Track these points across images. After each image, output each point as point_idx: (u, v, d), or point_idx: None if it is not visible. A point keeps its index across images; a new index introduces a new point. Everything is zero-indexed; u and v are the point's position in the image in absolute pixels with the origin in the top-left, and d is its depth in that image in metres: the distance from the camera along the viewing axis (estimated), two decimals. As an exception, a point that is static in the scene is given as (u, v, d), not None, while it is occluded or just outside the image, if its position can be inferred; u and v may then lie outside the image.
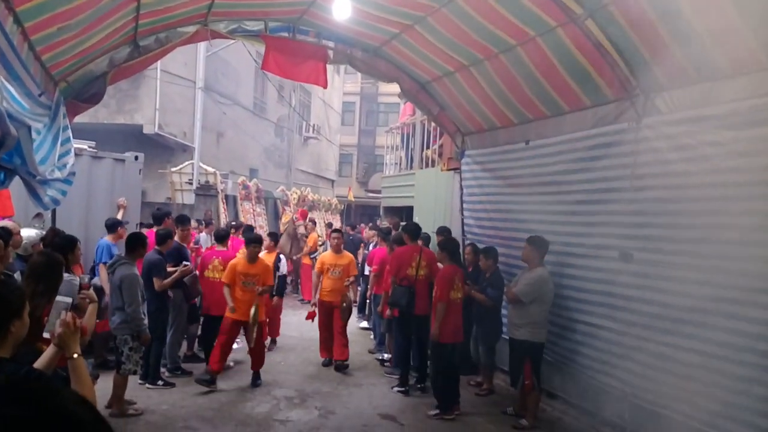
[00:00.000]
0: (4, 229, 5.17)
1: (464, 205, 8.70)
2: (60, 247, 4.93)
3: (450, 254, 6.72)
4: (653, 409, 5.18)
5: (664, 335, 4.94)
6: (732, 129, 4.35)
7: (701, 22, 4.19)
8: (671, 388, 4.89)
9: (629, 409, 5.46)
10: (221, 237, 8.40)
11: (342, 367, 8.08)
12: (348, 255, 8.59)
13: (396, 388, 7.32)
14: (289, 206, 18.19)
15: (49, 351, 2.50)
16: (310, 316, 8.70)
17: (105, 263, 6.97)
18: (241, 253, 7.71)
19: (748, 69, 4.24)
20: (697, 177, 4.67)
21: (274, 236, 9.63)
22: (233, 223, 12.42)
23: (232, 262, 7.34)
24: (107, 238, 7.39)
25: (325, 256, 8.72)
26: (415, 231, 7.74)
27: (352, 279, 8.42)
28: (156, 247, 6.99)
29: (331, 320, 8.24)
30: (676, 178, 4.87)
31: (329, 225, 17.21)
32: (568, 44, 5.41)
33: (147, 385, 6.81)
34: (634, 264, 5.28)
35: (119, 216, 8.17)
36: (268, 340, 8.78)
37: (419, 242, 7.78)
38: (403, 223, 10.23)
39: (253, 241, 7.41)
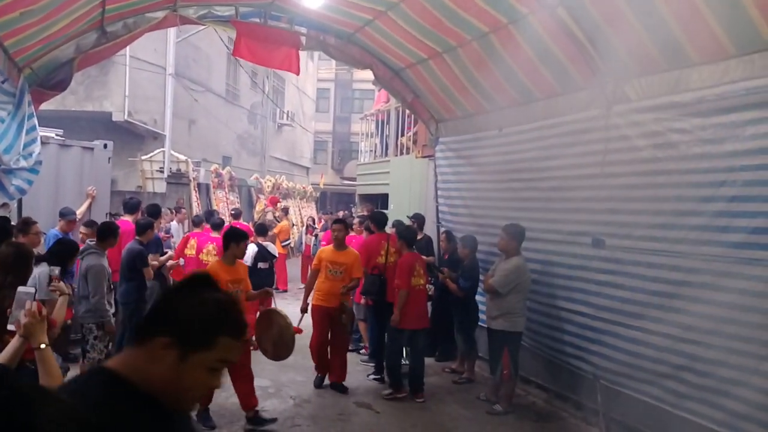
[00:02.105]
0: None
1: (439, 193, 8.72)
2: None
3: (408, 242, 6.85)
4: (624, 391, 5.29)
5: (634, 319, 5.03)
6: (698, 116, 4.43)
7: (670, 10, 4.24)
8: (641, 370, 5.00)
9: (601, 392, 5.56)
10: (217, 225, 9.16)
11: (342, 389, 6.78)
12: (352, 252, 6.96)
13: (371, 376, 7.37)
14: (264, 194, 18.07)
15: (13, 342, 2.45)
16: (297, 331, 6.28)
17: None
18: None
19: (714, 57, 4.30)
20: (664, 164, 4.74)
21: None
22: (233, 211, 12.59)
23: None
24: (57, 228, 7.28)
25: (325, 251, 7.12)
26: (381, 219, 7.78)
27: (352, 284, 6.83)
28: (136, 237, 6.96)
29: (327, 329, 6.81)
30: (645, 164, 4.94)
31: (312, 221, 16.50)
32: (540, 31, 5.43)
33: None
34: (606, 250, 5.36)
35: (84, 206, 8.06)
36: None
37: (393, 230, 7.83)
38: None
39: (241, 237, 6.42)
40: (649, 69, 4.87)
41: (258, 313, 6.33)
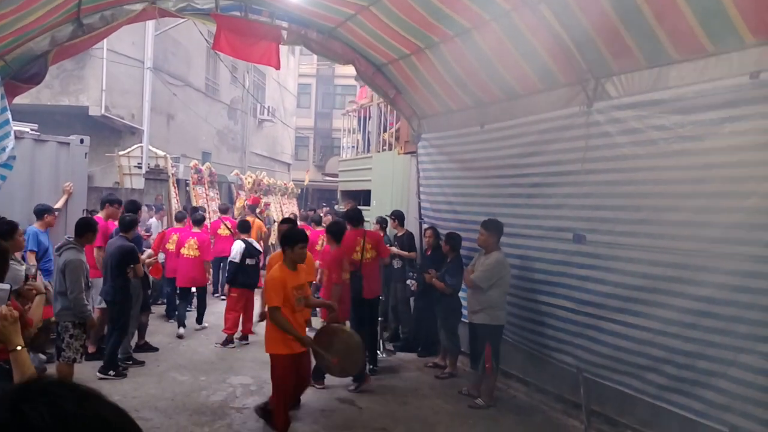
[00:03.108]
0: None
1: (421, 189, 8.74)
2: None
3: (335, 237, 6.90)
4: (606, 384, 5.36)
5: (616, 313, 5.10)
6: (678, 113, 4.49)
7: (650, 8, 4.29)
8: (622, 363, 5.07)
9: (583, 384, 5.62)
10: (198, 221, 9.63)
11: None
12: (302, 267, 5.46)
13: None
14: (244, 191, 17.93)
15: None
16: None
17: (33, 251, 6.96)
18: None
19: (693, 55, 4.37)
20: (645, 160, 4.80)
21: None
22: (220, 206, 12.87)
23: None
24: (35, 225, 7.20)
25: (276, 272, 5.18)
26: (356, 216, 7.65)
27: (308, 296, 5.54)
28: (121, 234, 6.95)
29: (301, 372, 5.51)
30: (625, 161, 5.00)
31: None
32: (522, 28, 5.46)
33: (98, 374, 6.65)
34: (587, 245, 5.42)
35: (61, 202, 7.96)
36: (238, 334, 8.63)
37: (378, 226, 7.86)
38: (364, 208, 10.29)
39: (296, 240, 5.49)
40: (630, 66, 4.93)
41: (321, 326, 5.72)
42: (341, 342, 5.33)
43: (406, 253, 8.53)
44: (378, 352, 7.89)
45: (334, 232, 6.93)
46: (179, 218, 10.23)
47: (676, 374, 4.54)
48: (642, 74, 4.84)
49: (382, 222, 8.96)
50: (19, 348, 2.33)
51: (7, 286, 2.58)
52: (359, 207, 9.73)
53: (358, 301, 7.13)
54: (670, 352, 4.58)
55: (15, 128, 6.64)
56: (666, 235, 4.60)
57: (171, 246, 9.57)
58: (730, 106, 4.09)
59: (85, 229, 6.01)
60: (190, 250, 9.26)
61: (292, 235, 5.29)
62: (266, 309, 5.34)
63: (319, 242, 10.03)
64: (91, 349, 7.21)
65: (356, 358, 5.37)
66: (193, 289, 9.67)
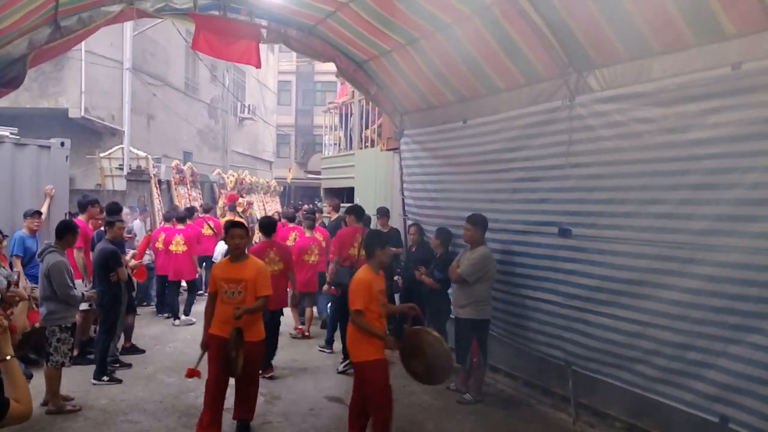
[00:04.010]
0: None
1: (404, 185, 8.71)
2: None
3: (265, 232, 7.30)
4: (595, 377, 5.38)
5: (604, 306, 5.10)
6: (661, 105, 4.49)
7: (631, 0, 4.27)
8: (611, 356, 5.08)
9: (572, 378, 5.64)
10: (182, 218, 10.31)
11: (245, 429, 5.51)
12: (254, 263, 5.37)
13: (319, 348, 8.30)
14: (226, 189, 17.82)
15: None
16: (189, 373, 5.24)
17: (19, 256, 6.98)
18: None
19: (675, 47, 4.36)
20: (628, 153, 4.79)
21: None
22: (203, 206, 13.29)
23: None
24: (23, 230, 7.21)
25: (218, 266, 5.53)
26: (359, 212, 7.90)
27: (258, 304, 5.23)
28: (106, 237, 6.93)
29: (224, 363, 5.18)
30: (609, 154, 4.99)
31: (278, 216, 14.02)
32: (503, 22, 5.43)
33: (93, 381, 6.64)
34: (573, 239, 5.41)
35: (45, 206, 7.89)
36: None
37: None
38: (344, 205, 10.27)
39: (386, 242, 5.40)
40: (611, 59, 4.91)
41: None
42: (429, 347, 4.92)
43: (393, 249, 8.51)
44: None
45: (267, 226, 7.34)
46: (168, 218, 10.71)
47: (666, 366, 4.55)
48: (624, 67, 4.82)
49: (366, 221, 8.86)
50: (8, 357, 2.28)
51: None
52: (342, 204, 9.73)
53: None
54: (659, 344, 4.58)
55: (-5, 133, 6.56)
56: (652, 227, 4.60)
57: (160, 245, 10.05)
58: (713, 98, 4.09)
59: (65, 231, 6.00)
60: (177, 246, 9.91)
61: (377, 239, 5.13)
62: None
63: (291, 237, 10.01)
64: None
65: (443, 364, 4.96)
66: (184, 283, 10.34)
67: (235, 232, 5.29)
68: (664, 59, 4.48)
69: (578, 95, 5.27)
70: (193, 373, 5.18)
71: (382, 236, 5.31)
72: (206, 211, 12.15)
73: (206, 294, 6.17)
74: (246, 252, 5.43)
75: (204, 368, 5.23)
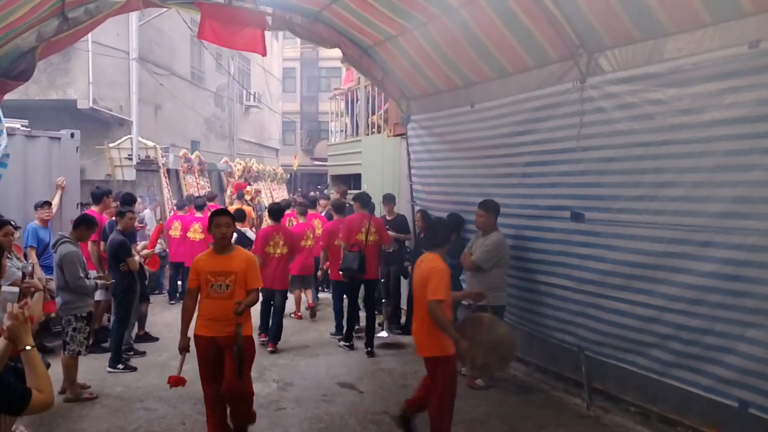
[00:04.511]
0: None
1: (412, 171, 8.65)
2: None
3: (274, 217, 8.11)
4: (609, 362, 5.34)
5: (618, 291, 5.03)
6: (675, 86, 4.40)
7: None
8: (626, 341, 5.03)
9: (585, 363, 5.60)
10: (200, 206, 10.81)
11: None
12: (243, 254, 4.89)
13: (336, 338, 8.33)
14: (234, 178, 17.80)
15: None
16: (173, 382, 4.78)
17: (33, 247, 7.08)
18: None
19: (689, 26, 4.26)
20: (641, 135, 4.71)
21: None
22: (207, 194, 13.26)
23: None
24: (35, 222, 7.29)
25: (201, 258, 4.89)
26: (365, 199, 8.07)
27: (250, 299, 4.78)
28: (117, 228, 7.01)
29: (217, 369, 4.78)
30: (621, 137, 4.90)
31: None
32: (511, 4, 5.33)
33: (108, 369, 6.76)
34: (586, 223, 5.33)
35: (57, 198, 7.91)
36: None
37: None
38: (351, 192, 10.25)
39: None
40: (623, 39, 4.82)
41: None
42: (488, 333, 4.78)
43: (402, 235, 8.52)
44: (384, 333, 8.26)
45: (274, 212, 8.16)
46: (180, 206, 11.24)
47: (683, 350, 4.50)
48: (636, 47, 4.73)
49: (371, 208, 8.86)
50: (29, 347, 2.34)
51: (15, 289, 2.58)
52: (349, 191, 9.71)
53: (359, 281, 7.83)
54: (675, 329, 4.53)
55: (6, 125, 6.55)
56: (666, 210, 4.52)
57: (175, 233, 10.55)
58: (729, 77, 4.00)
59: (80, 223, 6.11)
60: (195, 233, 10.40)
61: (446, 226, 4.98)
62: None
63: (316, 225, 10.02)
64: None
65: (503, 353, 4.78)
66: None
67: (221, 220, 4.75)
68: (677, 38, 4.39)
69: (589, 77, 5.18)
70: (177, 382, 4.71)
71: (449, 224, 4.97)
72: (210, 199, 12.14)
73: None
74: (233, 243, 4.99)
75: (187, 373, 4.90)
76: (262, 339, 7.88)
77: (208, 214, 11.32)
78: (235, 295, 4.66)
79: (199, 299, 4.80)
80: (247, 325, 4.86)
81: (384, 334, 8.18)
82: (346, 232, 7.76)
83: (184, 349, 4.79)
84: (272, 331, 7.87)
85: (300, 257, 8.97)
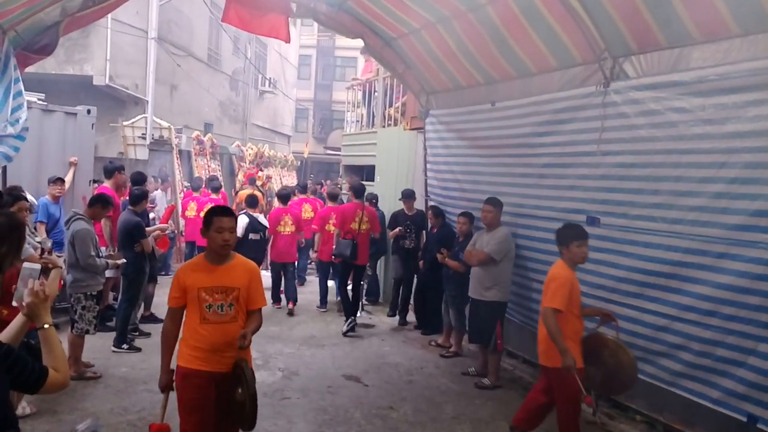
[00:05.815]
0: None
1: (428, 166, 8.64)
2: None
3: (282, 200, 9.30)
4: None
5: (630, 298, 5.03)
6: (699, 96, 4.39)
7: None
8: (635, 348, 5.00)
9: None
10: (216, 188, 11.23)
11: None
12: (243, 263, 3.67)
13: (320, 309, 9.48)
14: (246, 162, 17.82)
15: (17, 321, 2.39)
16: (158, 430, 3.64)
17: (44, 222, 7.11)
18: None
19: (716, 36, 4.25)
20: (662, 143, 4.70)
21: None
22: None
23: None
24: (46, 197, 7.30)
25: (188, 271, 3.64)
26: (359, 189, 8.62)
27: (253, 325, 3.60)
28: (130, 207, 7.01)
29: (209, 413, 3.51)
30: (642, 143, 4.89)
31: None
32: (538, 4, 5.32)
33: (112, 348, 6.78)
34: (601, 228, 5.32)
35: (70, 175, 7.93)
36: None
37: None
38: (366, 183, 10.32)
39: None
40: (650, 46, 4.81)
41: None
42: (611, 356, 4.49)
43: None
44: (360, 312, 9.02)
45: (282, 196, 9.59)
46: (195, 187, 11.68)
47: (693, 361, 4.50)
48: (662, 54, 4.72)
49: (374, 198, 9.57)
50: (46, 326, 2.31)
51: (37, 266, 2.58)
52: (363, 182, 9.73)
53: (350, 265, 8.32)
54: (686, 339, 4.52)
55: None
56: (684, 219, 4.52)
57: (191, 213, 11.00)
58: (754, 89, 3.99)
59: (96, 201, 6.15)
60: None
61: (573, 230, 4.54)
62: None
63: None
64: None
65: (624, 378, 4.49)
66: None
67: (224, 222, 3.50)
68: (704, 48, 4.38)
69: (613, 81, 5.17)
70: (160, 431, 3.63)
71: (578, 228, 4.58)
72: (215, 189, 12.14)
73: None
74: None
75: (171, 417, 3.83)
76: (276, 307, 9.29)
77: (222, 195, 11.63)
78: (239, 318, 3.58)
79: (184, 322, 3.63)
80: (249, 358, 3.64)
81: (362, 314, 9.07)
82: (340, 220, 8.37)
83: (167, 387, 3.65)
84: (290, 291, 9.33)
85: (279, 243, 9.38)
